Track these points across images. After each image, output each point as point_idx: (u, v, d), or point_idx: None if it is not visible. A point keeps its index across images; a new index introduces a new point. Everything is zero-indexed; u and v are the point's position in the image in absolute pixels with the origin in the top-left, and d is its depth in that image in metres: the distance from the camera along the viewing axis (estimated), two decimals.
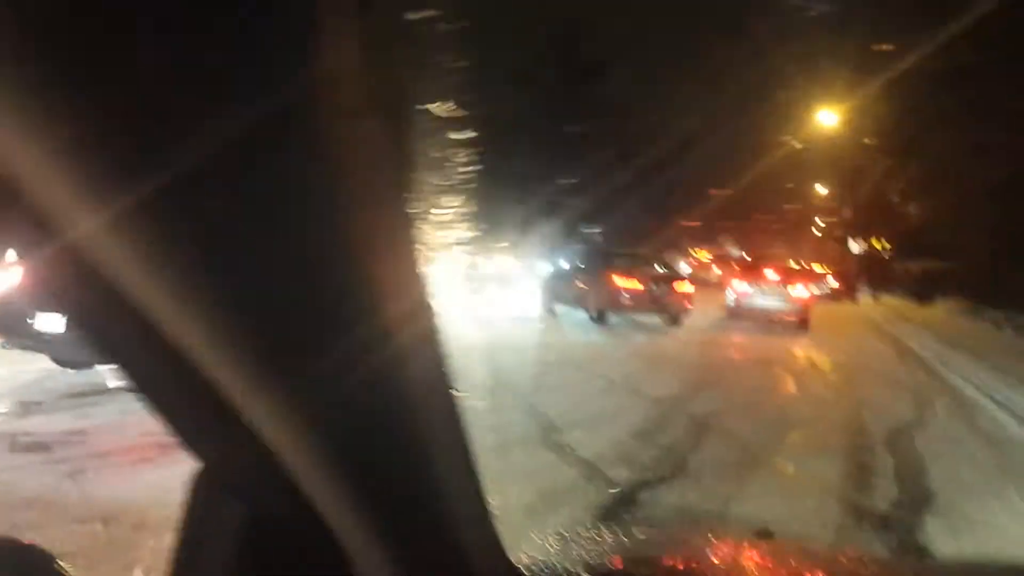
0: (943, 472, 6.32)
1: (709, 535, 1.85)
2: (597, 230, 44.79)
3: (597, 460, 6.15)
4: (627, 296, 17.07)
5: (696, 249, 55.99)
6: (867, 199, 37.93)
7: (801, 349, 14.82)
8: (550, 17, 46.67)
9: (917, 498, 5.62)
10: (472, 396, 8.37)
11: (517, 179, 40.37)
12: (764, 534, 1.79)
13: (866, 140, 33.10)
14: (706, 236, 61.06)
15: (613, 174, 44.07)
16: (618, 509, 5.08)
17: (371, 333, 0.64)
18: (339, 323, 0.63)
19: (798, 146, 36.28)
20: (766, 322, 18.99)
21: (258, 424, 0.68)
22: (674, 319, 17.78)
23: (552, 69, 46.64)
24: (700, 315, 21.06)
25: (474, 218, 29.00)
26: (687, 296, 18.11)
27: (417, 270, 0.70)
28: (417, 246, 0.71)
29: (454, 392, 0.79)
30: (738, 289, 19.77)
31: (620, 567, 1.31)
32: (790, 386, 10.65)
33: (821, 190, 50.70)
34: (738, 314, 19.54)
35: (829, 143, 36.29)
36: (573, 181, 41.01)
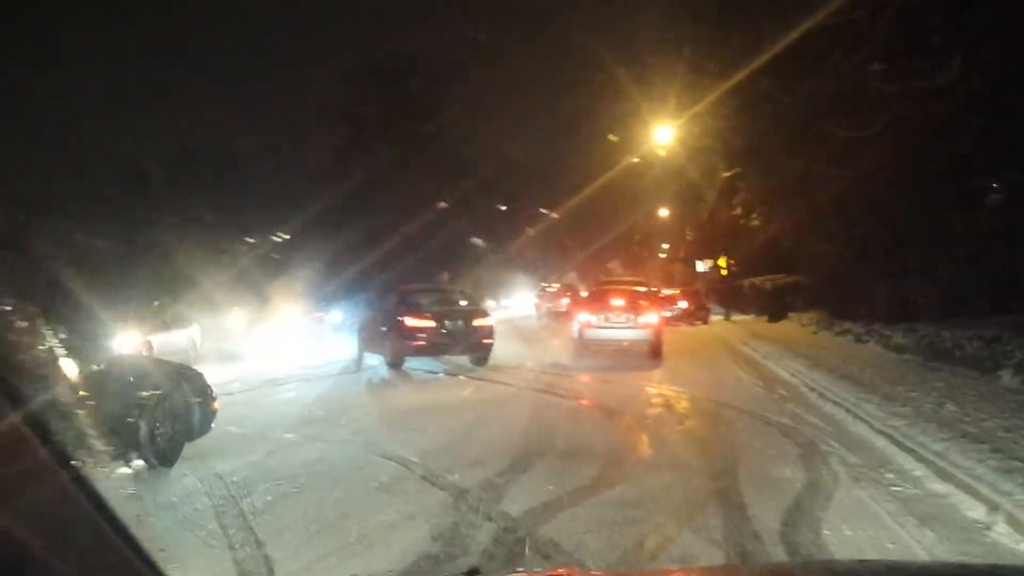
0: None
1: None
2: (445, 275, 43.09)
3: None
4: (421, 337, 15.14)
5: (545, 282, 54.71)
6: (710, 217, 37.24)
7: (654, 386, 12.64)
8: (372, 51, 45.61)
9: None
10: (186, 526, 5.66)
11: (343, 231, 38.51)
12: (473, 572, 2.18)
13: (703, 157, 32.24)
14: (554, 268, 60.47)
15: (455, 216, 42.59)
16: None
17: None
18: None
19: (635, 160, 35.28)
20: (615, 353, 16.97)
21: None
22: (479, 358, 15.95)
23: (373, 107, 44.81)
24: (546, 350, 19.04)
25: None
26: (487, 330, 16.12)
27: None
28: None
29: None
30: (582, 320, 17.55)
31: None
32: (643, 446, 8.27)
33: (664, 212, 50.37)
34: (585, 347, 17.39)
35: (667, 165, 35.45)
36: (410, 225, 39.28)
